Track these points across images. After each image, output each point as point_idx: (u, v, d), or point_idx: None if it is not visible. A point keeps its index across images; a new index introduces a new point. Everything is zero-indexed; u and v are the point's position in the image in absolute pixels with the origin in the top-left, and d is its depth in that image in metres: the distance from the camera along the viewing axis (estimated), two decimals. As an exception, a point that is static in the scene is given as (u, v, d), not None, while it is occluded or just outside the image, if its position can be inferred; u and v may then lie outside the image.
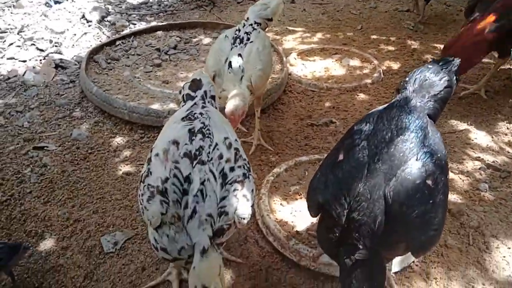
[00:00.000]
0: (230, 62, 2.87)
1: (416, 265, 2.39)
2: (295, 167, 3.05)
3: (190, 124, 1.95)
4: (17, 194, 2.78)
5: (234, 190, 1.79)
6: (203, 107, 2.13)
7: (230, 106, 2.65)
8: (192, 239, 1.69)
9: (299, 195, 2.78)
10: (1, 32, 4.81)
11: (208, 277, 1.64)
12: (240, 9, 5.89)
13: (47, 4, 5.47)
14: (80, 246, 2.46)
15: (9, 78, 4.02)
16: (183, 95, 2.27)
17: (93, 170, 3.03)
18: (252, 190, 1.90)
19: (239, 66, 2.85)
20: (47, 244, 2.47)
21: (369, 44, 4.95)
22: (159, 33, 4.83)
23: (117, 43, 4.52)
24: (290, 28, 5.36)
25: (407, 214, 1.69)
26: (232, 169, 1.83)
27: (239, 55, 2.90)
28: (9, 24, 4.99)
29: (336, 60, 4.55)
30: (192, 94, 2.23)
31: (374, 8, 5.96)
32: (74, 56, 4.44)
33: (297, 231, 2.54)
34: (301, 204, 2.72)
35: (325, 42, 4.98)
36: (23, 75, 4.04)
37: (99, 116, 3.58)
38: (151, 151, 1.92)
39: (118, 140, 3.35)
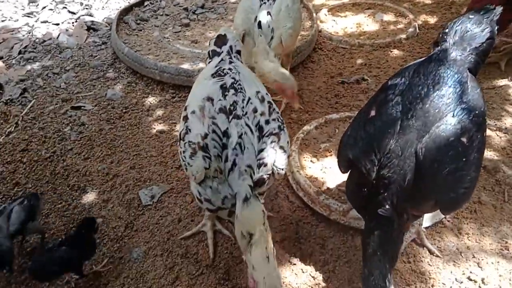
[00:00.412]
0: (259, 22, 2.81)
1: (448, 221, 2.38)
2: (325, 124, 3.03)
3: (221, 80, 1.96)
4: (59, 151, 2.93)
5: (272, 142, 1.82)
6: (230, 62, 2.13)
7: (286, 86, 2.66)
8: (233, 190, 1.75)
9: (329, 152, 2.79)
10: (34, -4, 4.90)
11: (252, 223, 1.70)
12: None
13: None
14: (120, 199, 2.59)
15: (44, 41, 4.13)
16: (209, 51, 2.27)
17: (128, 129, 3.13)
18: (288, 142, 1.92)
19: (269, 25, 2.79)
20: (89, 197, 2.62)
21: (404, -2, 4.71)
22: (187, -8, 4.78)
23: (146, 3, 4.51)
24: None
25: (438, 171, 1.67)
26: (267, 122, 1.85)
27: (268, 13, 2.82)
28: (41, -12, 5.06)
29: (368, 15, 4.38)
30: (218, 49, 2.23)
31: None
32: (105, 18, 4.48)
33: (327, 187, 2.58)
34: (331, 161, 2.73)
35: (358, -4, 4.77)
36: (57, 37, 4.14)
37: (132, 77, 3.65)
38: (185, 110, 1.95)
39: (151, 100, 3.43)
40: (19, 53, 3.96)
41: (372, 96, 2.07)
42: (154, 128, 3.14)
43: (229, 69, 2.06)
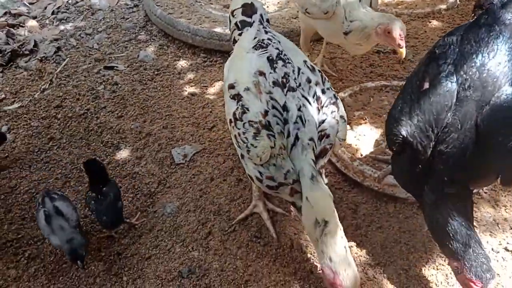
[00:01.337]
0: None
1: (485, 192, 2.33)
2: (360, 92, 2.97)
3: (266, 52, 1.85)
4: (92, 109, 2.96)
5: (332, 112, 1.75)
6: (266, 31, 2.01)
7: (395, 26, 2.24)
8: (295, 165, 1.68)
9: (364, 120, 2.74)
10: (66, -43, 4.88)
11: (325, 208, 1.64)
12: None
13: None
14: (152, 157, 2.62)
15: (77, 2, 4.13)
16: (237, 22, 2.12)
17: (160, 90, 3.14)
18: (343, 110, 1.86)
19: None
20: (123, 154, 2.66)
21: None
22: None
23: (178, -34, 4.43)
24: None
25: (501, 143, 1.57)
26: (323, 91, 1.77)
27: None
28: (73, -51, 5.03)
29: (406, -15, 4.21)
30: (248, 19, 2.09)
31: None
32: (136, -20, 4.44)
33: (360, 153, 2.54)
34: (365, 128, 2.69)
35: (395, -35, 4.58)
36: (90, -1, 4.14)
37: (163, 40, 3.63)
38: (231, 88, 1.82)
39: (182, 63, 3.41)
40: (52, 13, 3.98)
41: (418, 67, 1.94)
42: (186, 91, 3.13)
43: (269, 39, 1.94)
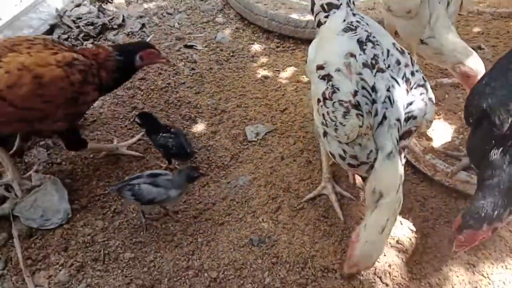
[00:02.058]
0: None
1: None
2: (435, 87, 2.93)
3: (355, 34, 1.88)
4: (173, 83, 3.16)
5: (421, 94, 1.77)
6: (353, 14, 2.04)
7: (476, 73, 2.18)
8: (378, 143, 1.72)
9: (438, 115, 2.72)
10: None
11: (386, 184, 1.69)
12: None
13: None
14: (226, 132, 2.77)
15: (159, -17, 4.36)
16: (323, 4, 2.13)
17: (235, 71, 3.27)
18: (432, 92, 1.87)
19: None
20: (199, 127, 2.83)
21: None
22: None
23: (257, -47, 4.53)
24: None
25: None
26: (412, 73, 1.79)
27: None
28: None
29: (491, -17, 4.04)
30: (336, 2, 2.11)
31: None
32: (215, -36, 4.60)
33: (432, 147, 2.53)
34: (439, 124, 2.67)
35: (480, -39, 4.40)
36: (172, -20, 4.35)
37: (240, 23, 3.76)
38: (320, 68, 1.86)
39: (256, 47, 3.53)
40: (137, -8, 4.23)
41: (510, 51, 1.96)
42: (259, 73, 3.25)
43: (357, 21, 1.96)
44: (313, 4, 2.20)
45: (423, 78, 1.82)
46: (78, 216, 2.32)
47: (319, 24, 2.17)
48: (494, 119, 1.72)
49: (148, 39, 3.54)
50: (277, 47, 3.53)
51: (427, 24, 2.37)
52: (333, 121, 1.74)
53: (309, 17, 3.57)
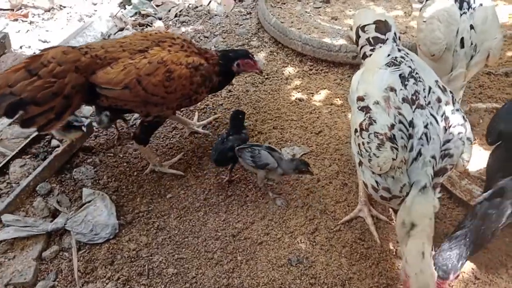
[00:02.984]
0: (462, 39, 2.41)
1: None
2: (469, 112, 2.97)
3: (399, 69, 1.93)
4: (211, 105, 3.30)
5: (459, 133, 1.79)
6: (399, 50, 2.09)
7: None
8: (411, 179, 1.75)
9: (474, 141, 2.73)
10: (188, -34, 5.39)
11: (418, 214, 1.71)
12: None
13: None
14: (263, 153, 2.86)
15: (196, 7, 4.57)
16: (369, 38, 2.21)
17: (270, 93, 3.39)
18: (471, 132, 1.88)
19: (471, 43, 2.40)
20: (236, 148, 2.94)
21: None
22: (329, -31, 4.86)
23: (290, -22, 4.70)
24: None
25: None
26: (452, 112, 1.83)
27: (471, 27, 2.41)
28: (193, -41, 5.54)
29: (524, 6, 4.06)
30: (382, 36, 2.19)
31: None
32: (249, -11, 4.78)
33: (468, 172, 2.56)
34: (474, 149, 2.68)
35: (512, -15, 4.43)
36: (208, 5, 4.55)
37: (274, 46, 3.90)
38: (361, 100, 1.92)
39: (290, 69, 3.64)
40: (175, 16, 4.45)
41: None
42: (293, 96, 3.36)
43: (402, 57, 2.01)
44: (358, 36, 2.27)
45: (464, 118, 1.85)
46: (123, 232, 2.44)
47: (364, 56, 2.24)
48: (509, 140, 1.83)
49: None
50: (310, 69, 3.63)
51: (449, 72, 2.45)
52: (367, 151, 1.80)
53: (342, 41, 3.68)
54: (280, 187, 2.63)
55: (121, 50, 2.39)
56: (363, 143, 1.84)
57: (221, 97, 3.35)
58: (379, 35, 2.19)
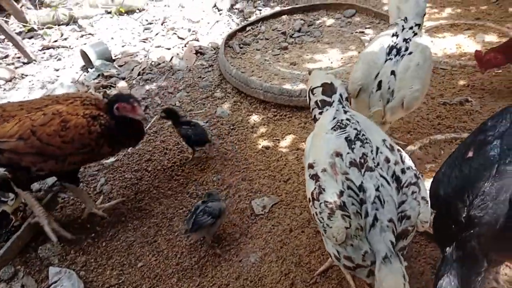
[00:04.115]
0: (380, 82, 2.46)
1: None
2: (430, 145, 3.05)
3: (344, 133, 1.89)
4: (178, 162, 3.29)
5: (413, 193, 1.71)
6: (345, 111, 2.05)
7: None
8: (373, 246, 1.66)
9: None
10: (148, 24, 5.54)
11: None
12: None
13: (182, -4, 6.11)
14: (234, 207, 2.84)
15: (159, 64, 4.64)
16: (317, 101, 2.17)
17: (236, 144, 3.41)
18: (425, 190, 1.80)
19: (389, 87, 2.45)
20: (206, 204, 2.91)
21: (507, 18, 4.55)
22: (284, 17, 5.08)
23: (247, 29, 4.88)
24: (416, 4, 5.16)
25: None
26: (403, 171, 1.76)
27: (392, 72, 2.45)
28: (153, 16, 5.70)
29: (468, 36, 4.30)
30: (328, 99, 2.14)
31: (512, -24, 5.40)
32: (210, 42, 4.92)
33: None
34: (439, 182, 2.74)
35: (455, 17, 4.72)
36: (170, 61, 4.64)
37: (237, 96, 3.97)
38: (311, 168, 1.87)
39: (255, 118, 3.70)
40: (139, 74, 4.50)
41: (468, 136, 2.11)
42: (260, 144, 3.39)
43: (347, 119, 1.97)
44: (309, 99, 2.25)
45: (415, 175, 1.78)
46: (94, 309, 2.34)
47: (315, 119, 2.19)
48: (450, 207, 1.81)
49: (152, 121, 3.73)
50: (275, 116, 3.70)
51: (367, 111, 2.51)
52: (321, 222, 1.73)
53: (302, 85, 3.79)
54: (254, 242, 2.59)
55: (19, 109, 2.48)
56: (316, 213, 1.77)
57: (188, 152, 3.35)
58: (325, 98, 2.14)
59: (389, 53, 2.52)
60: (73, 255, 2.61)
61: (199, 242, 2.63)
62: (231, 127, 3.60)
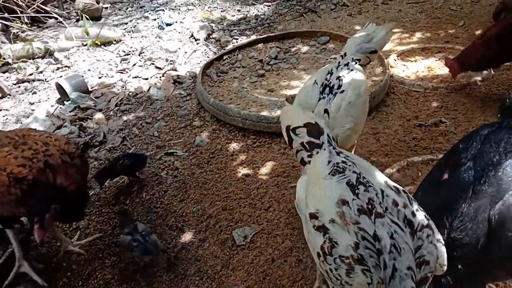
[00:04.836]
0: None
1: None
2: (407, 167, 3.08)
3: (345, 177, 1.73)
4: (157, 194, 3.22)
5: (428, 236, 1.58)
6: (337, 153, 1.89)
7: None
8: None
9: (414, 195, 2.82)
10: (126, 55, 5.54)
11: None
12: (334, 16, 6.03)
13: (159, 27, 6.15)
14: (214, 238, 2.78)
15: (136, 94, 4.62)
16: (303, 143, 1.98)
17: (216, 173, 3.38)
18: (437, 231, 1.67)
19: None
20: (187, 236, 2.84)
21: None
22: (260, 45, 5.17)
23: (224, 57, 4.94)
24: (387, 30, 5.34)
25: (509, 239, 1.68)
26: (413, 214, 1.61)
27: (325, 111, 2.38)
28: (130, 47, 5.72)
29: (439, 59, 4.45)
30: (316, 141, 1.95)
31: (476, 2, 5.67)
32: (187, 71, 4.95)
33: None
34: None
35: (426, 41, 4.88)
36: (148, 91, 4.63)
37: (216, 124, 3.96)
38: (314, 218, 1.70)
39: (234, 145, 3.68)
40: (116, 105, 4.46)
41: (441, 159, 2.15)
42: (240, 172, 3.36)
43: (343, 162, 1.81)
44: (290, 138, 2.03)
45: (426, 217, 1.64)
46: None
47: (303, 161, 2.01)
48: None
49: (130, 151, 3.67)
50: (254, 143, 3.69)
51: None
52: (338, 279, 1.57)
53: (279, 112, 3.80)
54: (236, 274, 2.53)
55: None
56: (330, 270, 1.60)
57: (167, 183, 3.30)
58: (313, 139, 1.95)
59: (322, 91, 2.46)
60: (49, 295, 2.50)
61: (179, 277, 2.55)
62: (211, 156, 3.58)
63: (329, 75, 2.53)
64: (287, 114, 2.16)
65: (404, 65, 4.45)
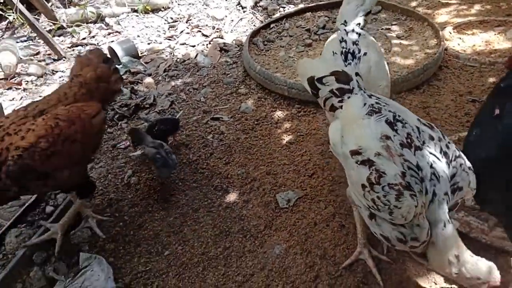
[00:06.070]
0: None
1: None
2: (458, 142, 2.99)
3: (382, 116, 1.87)
4: (203, 155, 3.33)
5: (461, 165, 1.80)
6: (369, 96, 2.01)
7: None
8: (431, 218, 1.75)
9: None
10: (173, 22, 5.63)
11: (454, 245, 1.80)
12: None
13: (207, -5, 6.18)
14: (258, 200, 2.87)
15: (184, 61, 4.72)
16: (333, 90, 2.04)
17: (261, 139, 3.44)
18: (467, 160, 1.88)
19: None
20: (231, 197, 2.94)
21: (540, 14, 4.44)
22: (308, 14, 5.08)
23: (271, 26, 4.90)
24: (443, 0, 5.09)
25: None
26: (447, 146, 1.84)
27: (357, 74, 2.25)
28: (178, 14, 5.79)
29: (499, 33, 4.21)
30: (347, 86, 2.04)
31: (545, -28, 5.25)
32: (233, 40, 4.97)
33: (463, 203, 2.55)
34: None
35: (485, 14, 4.62)
36: (195, 58, 4.71)
37: (261, 93, 3.99)
38: (356, 154, 1.84)
39: (279, 113, 3.71)
40: (164, 71, 4.58)
41: (487, 99, 2.23)
42: (284, 139, 3.40)
43: (377, 103, 1.95)
44: (316, 89, 2.11)
45: (457, 149, 1.86)
46: (122, 295, 2.40)
47: (333, 107, 2.10)
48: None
49: (178, 115, 3.79)
50: (299, 112, 3.70)
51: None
52: (386, 205, 1.72)
53: (327, 82, 3.78)
54: (278, 234, 2.61)
55: None
56: (378, 197, 1.75)
57: (213, 146, 3.40)
58: (343, 85, 2.04)
59: (345, 59, 2.43)
60: (102, 243, 2.69)
61: (224, 233, 2.67)
62: (255, 122, 3.63)
63: (344, 43, 2.50)
64: (308, 65, 2.22)
65: (460, 38, 4.25)
